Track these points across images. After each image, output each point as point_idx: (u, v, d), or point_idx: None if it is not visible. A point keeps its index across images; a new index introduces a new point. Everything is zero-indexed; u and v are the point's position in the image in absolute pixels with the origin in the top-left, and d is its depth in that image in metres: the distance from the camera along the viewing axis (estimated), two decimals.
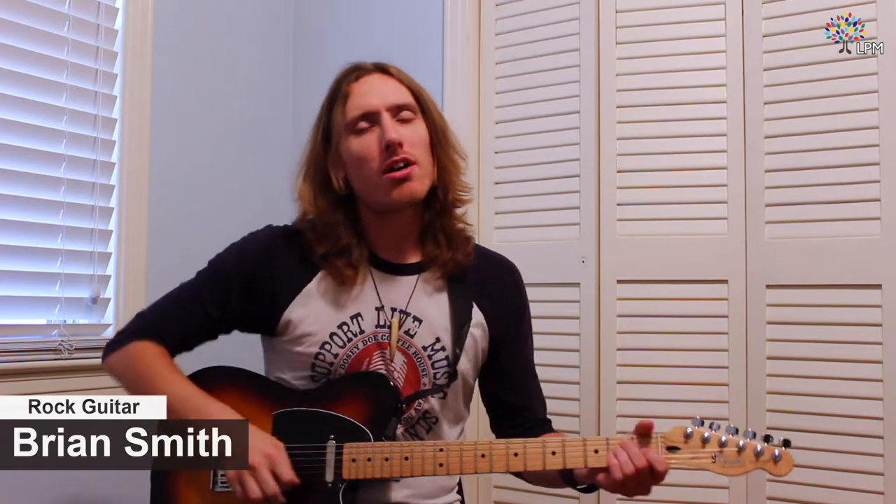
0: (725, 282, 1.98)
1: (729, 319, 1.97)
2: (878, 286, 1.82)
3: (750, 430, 1.22)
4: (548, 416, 1.47)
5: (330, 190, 1.36)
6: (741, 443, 1.20)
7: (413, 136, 1.33)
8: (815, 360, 1.88)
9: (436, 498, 1.39)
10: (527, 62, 2.24)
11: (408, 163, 1.31)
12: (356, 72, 1.37)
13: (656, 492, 1.96)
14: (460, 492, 1.47)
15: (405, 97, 1.35)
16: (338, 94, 1.36)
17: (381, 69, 1.38)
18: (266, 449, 1.22)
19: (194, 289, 1.40)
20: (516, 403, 1.44)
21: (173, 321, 1.39)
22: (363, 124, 1.33)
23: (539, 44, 2.23)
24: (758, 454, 1.19)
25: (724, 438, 1.21)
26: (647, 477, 1.20)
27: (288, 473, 1.21)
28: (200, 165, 2.27)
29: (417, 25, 2.39)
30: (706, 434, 1.21)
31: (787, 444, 1.21)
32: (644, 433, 1.22)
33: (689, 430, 1.21)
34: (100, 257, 1.98)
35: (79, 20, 1.96)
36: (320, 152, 1.37)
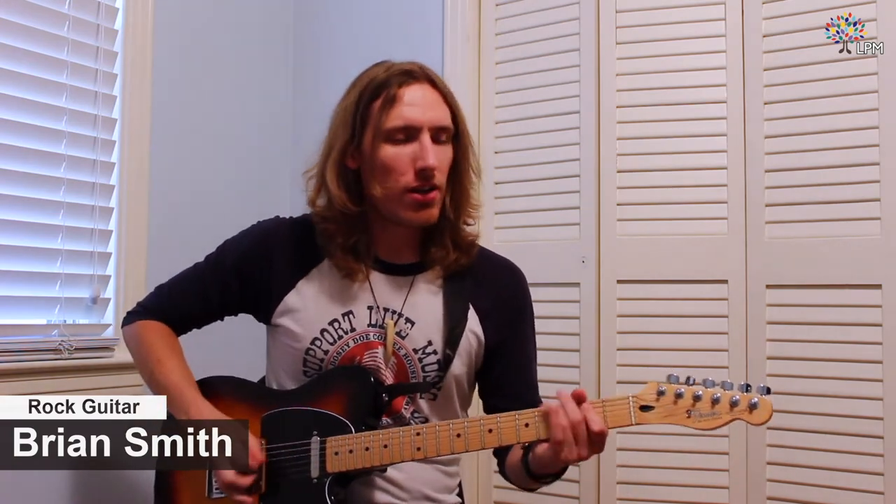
0: (725, 282, 1.98)
1: (729, 319, 1.97)
2: (878, 286, 1.82)
3: (728, 381, 1.17)
4: None
5: (349, 180, 1.34)
6: (716, 395, 1.15)
7: (444, 161, 1.33)
8: (815, 360, 1.87)
9: (435, 497, 1.39)
10: (527, 62, 2.24)
11: (433, 188, 1.31)
12: (405, 76, 1.33)
13: (656, 492, 1.99)
14: (461, 493, 1.47)
15: (446, 119, 1.33)
16: (382, 92, 1.31)
17: (430, 80, 1.35)
18: None
19: (200, 273, 1.47)
20: (508, 409, 1.40)
21: (180, 303, 1.46)
22: (402, 136, 1.31)
23: (539, 44, 2.22)
24: (733, 404, 1.15)
25: (698, 392, 1.16)
26: (584, 436, 1.16)
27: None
28: (200, 165, 2.27)
29: (417, 25, 2.39)
30: (680, 390, 1.17)
31: (767, 391, 1.15)
32: (579, 401, 1.18)
33: (663, 387, 1.18)
34: (100, 257, 1.98)
35: (79, 20, 1.96)
36: (347, 141, 1.33)
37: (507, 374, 1.43)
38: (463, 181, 1.36)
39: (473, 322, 1.39)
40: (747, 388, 1.16)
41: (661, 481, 1.99)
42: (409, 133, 1.30)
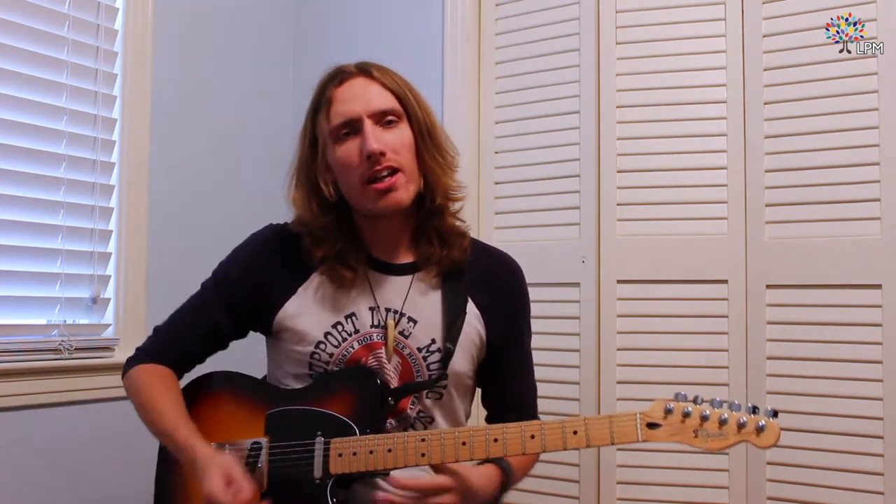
0: (725, 282, 1.98)
1: (729, 319, 1.97)
2: (878, 286, 1.81)
3: (736, 402, 1.18)
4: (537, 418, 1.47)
5: (321, 195, 1.35)
6: (724, 415, 1.16)
7: (396, 142, 1.31)
8: (815, 360, 1.87)
9: None
10: (527, 62, 2.24)
11: (392, 170, 1.30)
12: (339, 76, 1.36)
13: (656, 492, 1.99)
14: None
15: (388, 102, 1.33)
16: (321, 100, 1.35)
17: (364, 72, 1.35)
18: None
19: (202, 301, 1.43)
20: (503, 404, 1.44)
21: (182, 335, 1.42)
22: (345, 131, 1.32)
23: (539, 44, 2.23)
24: (741, 426, 1.15)
25: (705, 412, 1.17)
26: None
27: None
28: (200, 165, 2.27)
29: (417, 25, 2.39)
30: (687, 409, 1.17)
31: (774, 414, 1.16)
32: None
33: (670, 405, 1.18)
34: (100, 257, 1.98)
35: (79, 20, 1.96)
36: (308, 158, 1.37)
37: (509, 368, 1.44)
38: (427, 161, 1.34)
39: (474, 318, 1.39)
40: (754, 409, 1.17)
41: (661, 481, 1.99)
42: (352, 126, 1.31)
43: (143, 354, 1.43)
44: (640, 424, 1.19)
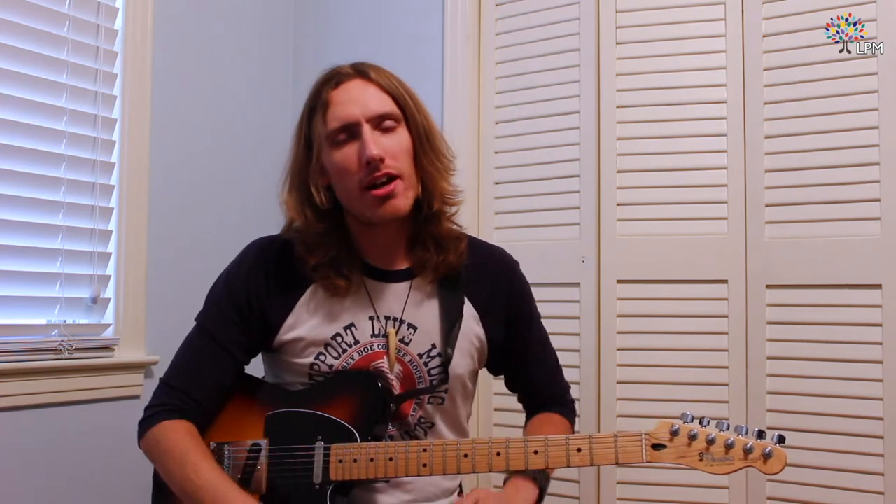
0: (725, 282, 1.98)
1: (729, 319, 1.97)
2: (878, 286, 1.82)
3: (743, 426, 1.17)
4: (562, 393, 1.51)
5: (314, 201, 1.32)
6: (730, 440, 1.15)
7: (395, 147, 1.28)
8: (815, 360, 1.87)
9: (436, 500, 1.39)
10: (527, 62, 2.24)
11: (390, 177, 1.27)
12: (335, 77, 1.32)
13: (656, 492, 1.99)
14: (461, 493, 1.47)
15: (386, 105, 1.30)
16: (317, 103, 1.32)
17: (361, 73, 1.32)
18: None
19: (206, 335, 1.35)
20: (530, 385, 1.49)
21: (202, 378, 1.32)
22: (343, 136, 1.29)
23: (539, 44, 2.23)
24: (747, 451, 1.15)
25: (711, 435, 1.16)
26: None
27: None
28: (200, 165, 2.27)
29: (417, 25, 2.39)
30: (693, 431, 1.17)
31: (781, 440, 1.15)
32: None
33: (676, 426, 1.17)
34: (100, 257, 1.98)
35: (79, 20, 1.96)
36: (303, 161, 1.34)
37: (524, 355, 1.45)
38: (425, 165, 1.32)
39: (472, 320, 1.38)
40: (760, 434, 1.16)
41: (661, 481, 1.99)
42: (350, 131, 1.28)
43: (161, 412, 1.30)
44: (646, 445, 1.19)
